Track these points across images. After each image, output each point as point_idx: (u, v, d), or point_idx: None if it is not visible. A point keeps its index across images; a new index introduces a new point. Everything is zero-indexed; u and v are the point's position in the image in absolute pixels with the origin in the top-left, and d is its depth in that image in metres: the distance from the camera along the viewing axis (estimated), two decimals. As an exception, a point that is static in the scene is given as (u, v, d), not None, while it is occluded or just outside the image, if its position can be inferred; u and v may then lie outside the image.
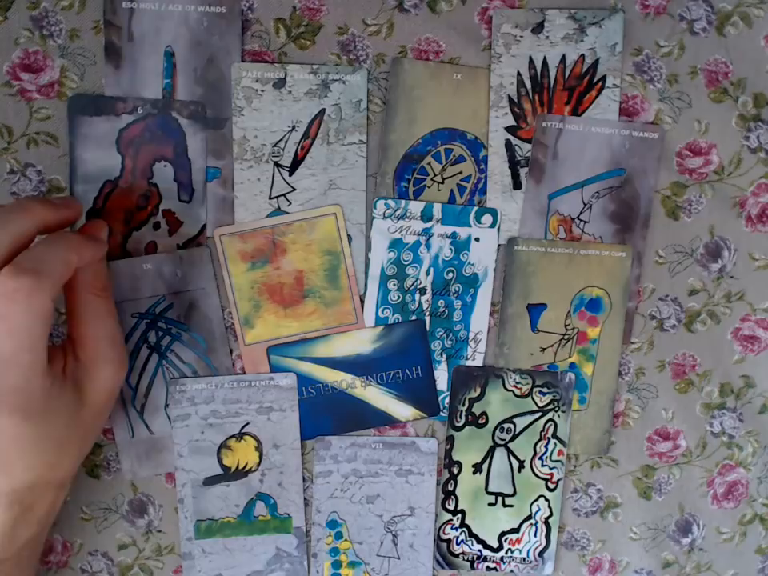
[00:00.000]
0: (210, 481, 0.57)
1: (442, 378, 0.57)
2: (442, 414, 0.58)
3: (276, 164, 0.55)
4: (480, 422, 0.58)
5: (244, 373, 0.57)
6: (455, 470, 0.58)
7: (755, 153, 0.57)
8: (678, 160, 0.57)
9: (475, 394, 0.57)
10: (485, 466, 0.58)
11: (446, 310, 0.57)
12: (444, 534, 0.59)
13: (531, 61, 0.55)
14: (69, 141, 0.54)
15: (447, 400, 0.58)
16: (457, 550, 0.59)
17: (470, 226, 0.56)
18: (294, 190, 0.56)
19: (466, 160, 0.56)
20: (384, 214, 0.56)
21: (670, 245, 0.58)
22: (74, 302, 0.47)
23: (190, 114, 0.55)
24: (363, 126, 0.55)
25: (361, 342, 0.57)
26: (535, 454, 0.58)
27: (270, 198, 0.56)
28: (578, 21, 0.55)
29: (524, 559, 0.59)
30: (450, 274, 0.57)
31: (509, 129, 0.56)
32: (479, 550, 0.59)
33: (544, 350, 0.57)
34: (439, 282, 0.57)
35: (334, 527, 0.58)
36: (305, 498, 0.58)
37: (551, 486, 0.58)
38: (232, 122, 0.55)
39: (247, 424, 0.56)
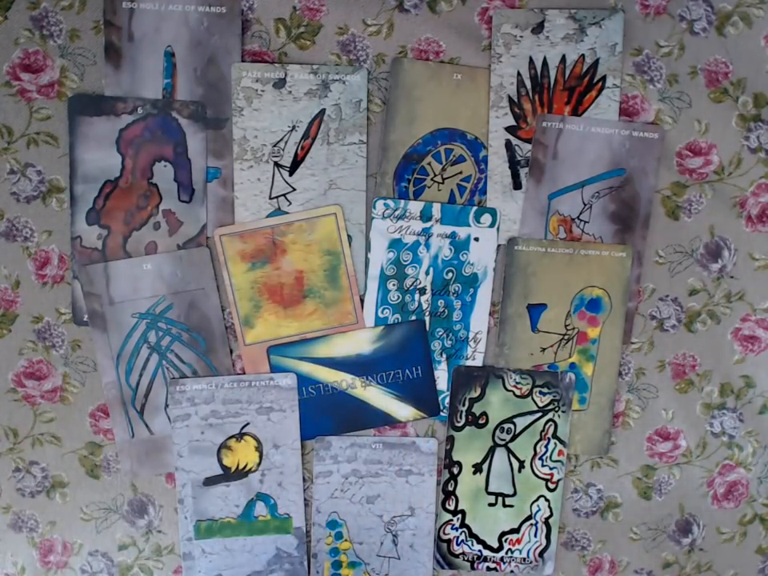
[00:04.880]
0: (210, 481, 0.57)
1: (442, 378, 0.57)
2: (442, 414, 0.58)
3: (276, 164, 0.55)
4: (480, 422, 0.58)
5: (244, 373, 0.57)
6: (455, 470, 0.58)
7: (755, 153, 0.57)
8: (677, 160, 0.57)
9: (475, 394, 0.57)
10: (485, 466, 0.58)
11: (446, 310, 0.57)
12: (444, 534, 0.59)
13: (531, 61, 0.55)
14: (69, 141, 0.54)
15: (447, 400, 0.58)
16: (457, 550, 0.59)
17: (469, 225, 0.56)
18: (294, 190, 0.56)
19: (466, 160, 0.56)
20: (383, 214, 0.56)
21: (670, 245, 0.58)
22: None
23: (190, 114, 0.55)
24: (363, 126, 0.55)
25: (361, 342, 0.57)
26: (535, 454, 0.58)
27: (270, 198, 0.56)
28: (578, 21, 0.55)
29: (524, 559, 0.59)
30: (450, 274, 0.57)
31: (509, 129, 0.56)
32: (479, 551, 0.59)
33: (544, 350, 0.57)
34: (439, 282, 0.57)
35: (334, 527, 0.58)
36: (305, 498, 0.58)
37: (551, 486, 0.58)
38: (232, 122, 0.55)
39: (247, 424, 0.56)
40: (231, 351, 0.57)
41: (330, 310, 0.56)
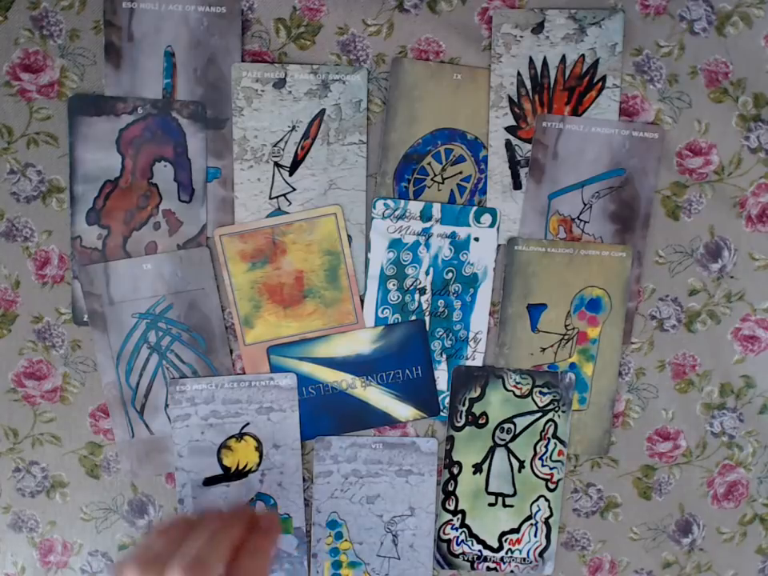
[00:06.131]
0: (209, 481, 0.57)
1: (442, 377, 0.57)
2: (442, 413, 0.58)
3: (276, 164, 0.55)
4: (480, 422, 0.58)
5: (244, 373, 0.57)
6: (455, 470, 0.58)
7: (755, 153, 0.57)
8: (678, 160, 0.57)
9: (475, 394, 0.57)
10: (485, 466, 0.58)
11: (446, 310, 0.57)
12: (444, 534, 0.59)
13: (531, 61, 0.55)
14: (69, 141, 0.54)
15: (447, 400, 0.58)
16: (457, 550, 0.59)
17: (469, 225, 0.56)
18: (294, 190, 0.56)
19: (466, 160, 0.56)
20: (383, 214, 0.56)
21: (669, 245, 0.58)
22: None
23: (189, 114, 0.55)
24: (363, 126, 0.55)
25: (361, 342, 0.57)
26: (535, 454, 0.58)
27: (270, 198, 0.56)
28: (578, 21, 0.55)
29: (524, 559, 0.59)
30: (450, 274, 0.57)
31: (509, 129, 0.56)
32: (479, 550, 0.59)
33: (544, 350, 0.57)
34: (439, 282, 0.57)
35: (334, 527, 0.58)
36: (305, 498, 0.58)
37: (551, 486, 0.58)
38: (232, 122, 0.55)
39: (247, 424, 0.56)
40: (231, 351, 0.57)
41: (330, 310, 0.56)
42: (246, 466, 0.57)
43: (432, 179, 0.56)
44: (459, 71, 0.55)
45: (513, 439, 0.58)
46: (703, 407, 0.59)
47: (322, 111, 0.55)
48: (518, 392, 0.58)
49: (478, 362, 0.58)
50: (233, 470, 0.57)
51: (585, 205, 0.57)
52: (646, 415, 0.59)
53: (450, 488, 0.58)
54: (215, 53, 0.54)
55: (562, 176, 0.56)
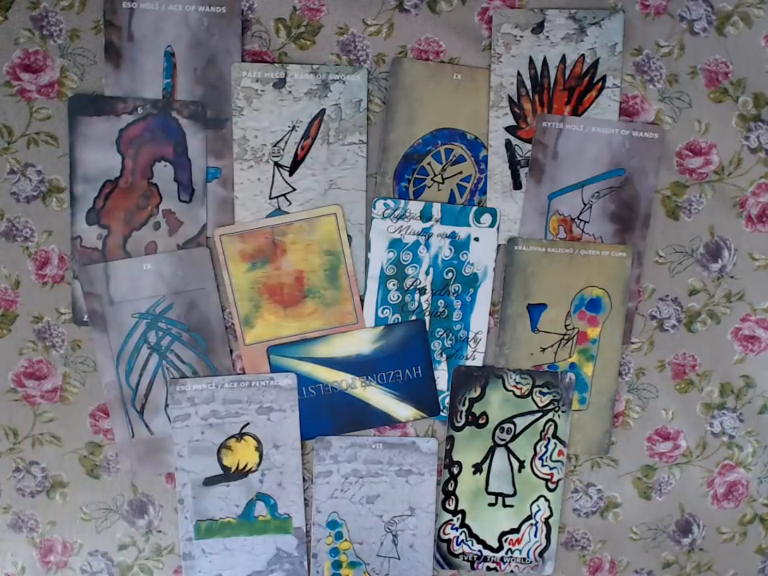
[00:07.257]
0: (210, 481, 0.57)
1: (442, 377, 0.57)
2: (442, 413, 0.58)
3: (276, 164, 0.55)
4: (480, 422, 0.58)
5: (244, 373, 0.57)
6: (455, 470, 0.58)
7: (755, 153, 0.57)
8: (678, 160, 0.57)
9: (475, 394, 0.57)
10: (485, 466, 0.58)
11: (446, 310, 0.57)
12: (444, 534, 0.59)
13: (531, 61, 0.55)
14: (69, 141, 0.54)
15: (447, 400, 0.58)
16: (457, 550, 0.59)
17: (469, 225, 0.56)
18: (294, 190, 0.56)
19: (466, 160, 0.56)
20: (383, 214, 0.56)
21: (670, 245, 0.58)
22: None
23: (190, 114, 0.55)
24: (363, 126, 0.55)
25: (361, 342, 0.57)
26: (535, 454, 0.58)
27: (270, 198, 0.56)
28: (578, 21, 0.55)
29: (524, 559, 0.59)
30: (450, 274, 0.57)
31: (509, 129, 0.56)
32: (479, 550, 0.59)
33: (544, 350, 0.57)
34: (439, 282, 0.57)
35: (334, 527, 0.58)
36: (305, 498, 0.58)
37: (551, 486, 0.58)
38: (232, 122, 0.55)
39: (247, 424, 0.56)
40: (231, 351, 0.57)
41: (329, 310, 0.56)
42: (245, 466, 0.57)
43: (432, 179, 0.56)
44: (459, 71, 0.55)
45: (513, 439, 0.58)
46: (703, 407, 0.59)
47: (322, 111, 0.55)
48: (517, 392, 0.58)
49: (478, 361, 0.58)
50: (233, 469, 0.57)
51: (585, 205, 0.57)
52: (645, 415, 0.59)
53: (450, 488, 0.58)
54: (215, 53, 0.54)
55: (562, 176, 0.56)
